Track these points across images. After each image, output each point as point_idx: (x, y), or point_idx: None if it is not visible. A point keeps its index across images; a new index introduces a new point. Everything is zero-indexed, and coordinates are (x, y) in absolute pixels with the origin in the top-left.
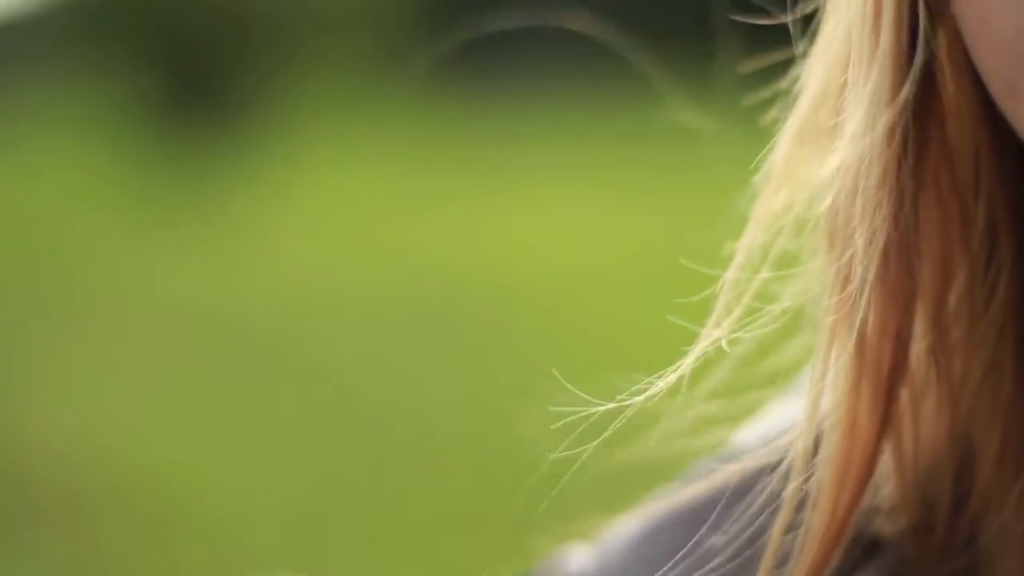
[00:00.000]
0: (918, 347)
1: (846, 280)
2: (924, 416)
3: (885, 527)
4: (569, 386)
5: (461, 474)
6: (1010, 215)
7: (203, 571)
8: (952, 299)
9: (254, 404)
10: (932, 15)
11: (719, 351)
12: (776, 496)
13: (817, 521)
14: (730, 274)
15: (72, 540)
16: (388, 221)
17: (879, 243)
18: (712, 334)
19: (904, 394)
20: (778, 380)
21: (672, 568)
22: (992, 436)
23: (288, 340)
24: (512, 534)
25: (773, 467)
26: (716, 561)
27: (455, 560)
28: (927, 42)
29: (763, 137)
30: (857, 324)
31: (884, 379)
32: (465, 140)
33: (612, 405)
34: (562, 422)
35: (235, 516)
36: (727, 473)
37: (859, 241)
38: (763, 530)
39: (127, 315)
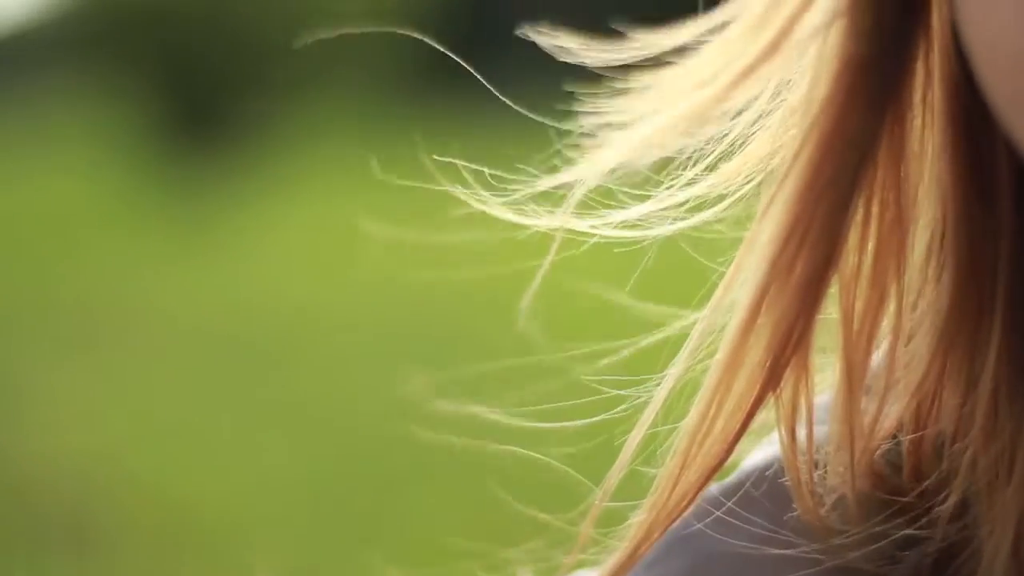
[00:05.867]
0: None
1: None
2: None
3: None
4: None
5: (456, 486)
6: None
7: None
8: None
9: (251, 418)
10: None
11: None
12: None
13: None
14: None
15: (77, 554)
16: (378, 242)
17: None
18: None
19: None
20: None
21: None
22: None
23: (281, 355)
24: (512, 549)
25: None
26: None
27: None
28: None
29: None
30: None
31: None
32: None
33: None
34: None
35: (238, 529)
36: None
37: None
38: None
39: (127, 329)
